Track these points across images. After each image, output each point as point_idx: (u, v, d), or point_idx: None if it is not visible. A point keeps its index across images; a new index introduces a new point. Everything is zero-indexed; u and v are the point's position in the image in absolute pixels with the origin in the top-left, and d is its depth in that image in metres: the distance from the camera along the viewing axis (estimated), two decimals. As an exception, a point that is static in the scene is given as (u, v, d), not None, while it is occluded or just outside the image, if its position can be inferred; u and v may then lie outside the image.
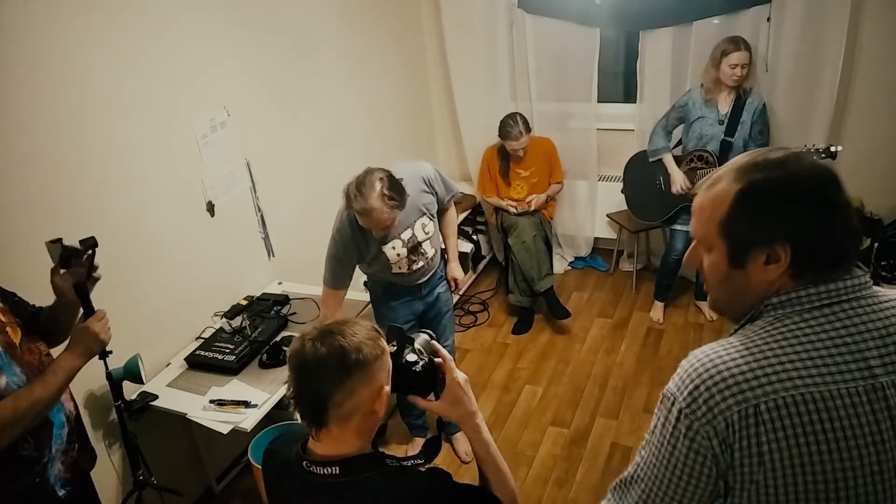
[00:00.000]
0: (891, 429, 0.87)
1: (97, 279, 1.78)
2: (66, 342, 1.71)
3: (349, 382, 1.08)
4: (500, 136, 3.72)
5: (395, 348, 1.20)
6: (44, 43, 1.98)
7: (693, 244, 1.02)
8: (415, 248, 2.49)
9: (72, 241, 1.69)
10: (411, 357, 1.19)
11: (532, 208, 3.81)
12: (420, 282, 2.61)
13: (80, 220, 2.14)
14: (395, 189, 2.18)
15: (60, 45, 2.03)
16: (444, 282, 2.76)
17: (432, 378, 1.20)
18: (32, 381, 1.55)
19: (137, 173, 2.34)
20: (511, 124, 3.62)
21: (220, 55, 2.65)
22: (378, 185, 2.14)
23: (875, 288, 0.95)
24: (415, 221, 2.44)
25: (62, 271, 1.68)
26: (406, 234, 2.43)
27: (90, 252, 1.72)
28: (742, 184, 0.92)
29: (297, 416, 1.16)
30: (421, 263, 2.54)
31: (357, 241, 2.37)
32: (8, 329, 1.59)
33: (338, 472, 1.10)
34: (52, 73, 2.01)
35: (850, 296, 0.91)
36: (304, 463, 1.14)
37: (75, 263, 1.69)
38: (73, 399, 1.79)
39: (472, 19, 3.98)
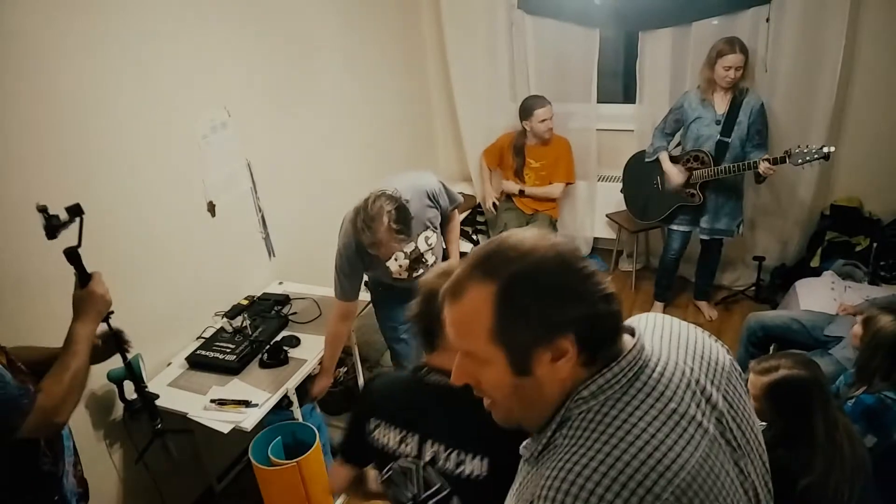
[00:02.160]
0: (735, 472, 0.85)
1: (81, 211, 1.69)
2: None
3: None
4: (524, 115, 3.78)
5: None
6: (44, 44, 1.99)
7: (457, 361, 0.88)
8: (417, 259, 2.53)
9: (58, 209, 1.66)
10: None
11: (512, 191, 3.95)
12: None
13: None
14: (403, 220, 2.20)
15: (61, 46, 2.04)
16: None
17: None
18: (60, 357, 1.53)
19: (138, 174, 2.35)
20: (538, 98, 3.76)
21: (220, 56, 2.66)
22: (385, 220, 2.16)
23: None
24: (418, 235, 2.47)
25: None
26: (409, 248, 2.46)
27: (78, 219, 1.70)
28: (498, 282, 0.81)
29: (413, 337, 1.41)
30: (422, 271, 2.57)
31: (362, 256, 2.39)
32: None
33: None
34: (52, 73, 2.02)
35: (644, 359, 0.86)
36: (431, 375, 1.32)
37: (60, 221, 1.63)
38: None
39: (472, 19, 3.99)
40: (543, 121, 3.75)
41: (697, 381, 0.88)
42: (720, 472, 0.82)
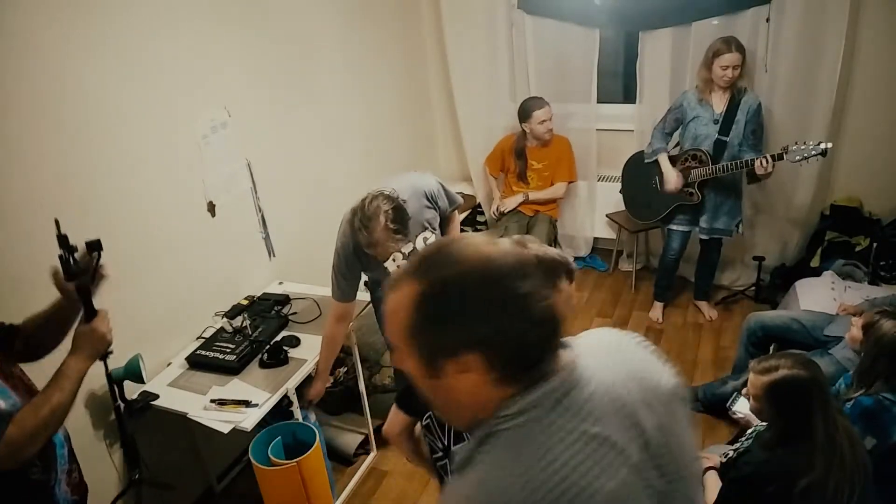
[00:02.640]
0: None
1: (104, 277, 1.75)
2: (68, 347, 1.64)
3: None
4: (523, 117, 3.79)
5: None
6: (45, 44, 1.99)
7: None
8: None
9: (78, 241, 1.66)
10: None
11: (510, 208, 3.90)
12: None
13: (81, 221, 2.14)
14: (400, 220, 2.19)
15: (61, 46, 2.04)
16: None
17: None
18: (45, 388, 1.50)
19: (138, 174, 2.35)
20: (536, 99, 3.76)
21: (221, 56, 2.66)
22: (382, 220, 2.15)
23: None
24: (416, 236, 2.45)
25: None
26: (407, 248, 2.43)
27: (95, 254, 1.71)
28: (423, 284, 0.81)
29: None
30: None
31: (360, 257, 2.37)
32: None
33: None
34: (52, 73, 2.02)
35: (575, 381, 0.84)
36: None
37: (79, 266, 1.65)
38: None
39: (472, 20, 3.99)
40: (542, 122, 3.75)
41: (632, 405, 0.86)
42: (636, 502, 0.81)
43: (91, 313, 1.68)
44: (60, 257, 1.59)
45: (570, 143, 3.96)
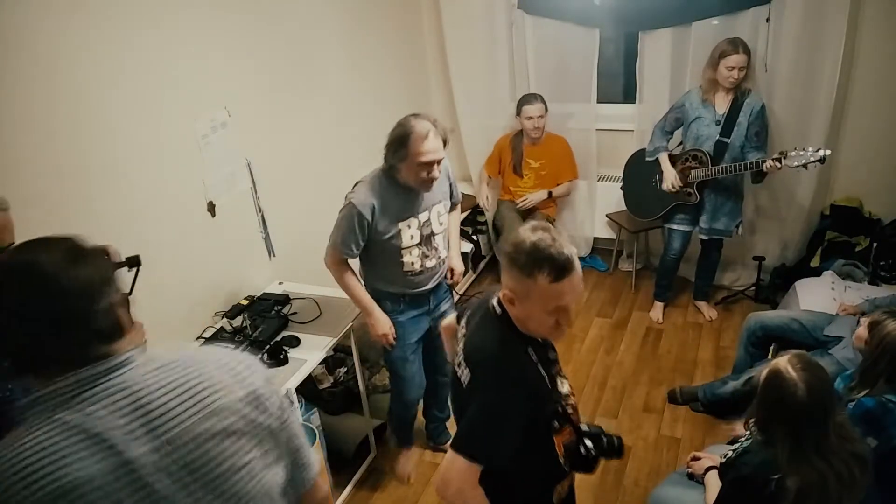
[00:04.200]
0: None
1: (139, 263, 1.79)
2: None
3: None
4: (517, 112, 3.81)
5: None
6: (41, 43, 1.98)
7: None
8: (428, 239, 2.41)
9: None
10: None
11: (528, 206, 3.84)
12: (429, 286, 2.50)
13: (81, 221, 2.15)
14: (444, 135, 2.21)
15: (59, 45, 2.03)
16: (450, 297, 2.68)
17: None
18: None
19: (138, 173, 2.35)
20: (530, 95, 3.78)
21: (221, 56, 2.65)
22: (430, 124, 2.17)
23: (141, 360, 1.00)
24: (433, 206, 2.38)
25: None
26: (423, 216, 2.36)
27: (135, 269, 1.76)
28: None
29: None
30: (433, 262, 2.45)
31: (382, 200, 2.26)
32: None
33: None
34: (50, 73, 2.01)
35: (101, 380, 0.94)
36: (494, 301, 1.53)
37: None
38: None
39: (473, 20, 3.99)
40: (530, 118, 3.75)
41: (159, 411, 0.96)
42: (109, 496, 0.91)
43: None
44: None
45: (567, 142, 3.96)
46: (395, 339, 2.49)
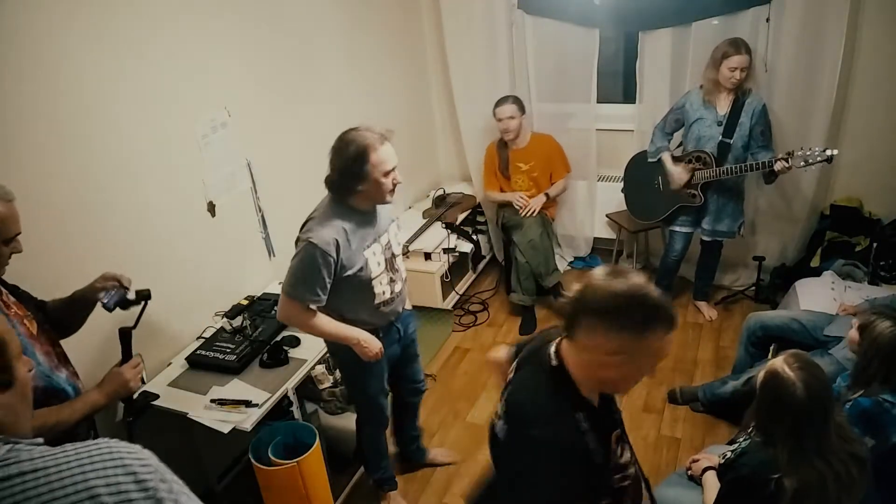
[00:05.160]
0: None
1: (149, 297, 1.88)
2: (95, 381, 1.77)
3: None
4: (493, 113, 3.80)
5: None
6: (43, 43, 1.99)
7: None
8: (391, 262, 2.27)
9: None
10: None
11: (535, 212, 3.83)
12: (399, 310, 2.36)
13: (81, 221, 2.15)
14: None
15: (59, 46, 2.04)
16: (413, 317, 2.51)
17: None
18: (62, 405, 1.59)
19: (138, 173, 2.35)
20: (503, 97, 3.75)
21: (221, 56, 2.66)
22: (365, 127, 2.11)
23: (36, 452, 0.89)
24: (388, 226, 2.26)
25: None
26: (384, 239, 2.22)
27: (143, 303, 1.83)
28: None
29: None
30: (399, 286, 2.31)
31: (344, 233, 2.06)
32: (25, 321, 1.63)
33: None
34: (51, 73, 2.02)
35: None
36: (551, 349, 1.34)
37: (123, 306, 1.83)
38: None
39: (472, 20, 3.99)
40: (501, 119, 3.74)
41: None
42: None
43: (127, 356, 1.81)
44: (117, 297, 1.82)
45: (554, 138, 3.94)
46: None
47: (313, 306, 2.13)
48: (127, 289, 1.82)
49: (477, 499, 1.60)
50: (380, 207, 2.20)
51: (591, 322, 1.21)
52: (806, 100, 3.43)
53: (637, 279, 1.20)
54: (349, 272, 2.10)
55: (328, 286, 2.08)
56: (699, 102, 3.29)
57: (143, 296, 1.82)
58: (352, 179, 2.05)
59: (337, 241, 2.05)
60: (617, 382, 1.30)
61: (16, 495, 0.85)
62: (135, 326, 1.81)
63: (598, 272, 1.24)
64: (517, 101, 3.74)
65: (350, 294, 2.17)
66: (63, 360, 1.71)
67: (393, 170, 2.08)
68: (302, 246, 2.06)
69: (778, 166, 3.02)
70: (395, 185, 2.11)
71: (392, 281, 2.27)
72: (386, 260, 2.23)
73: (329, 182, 2.13)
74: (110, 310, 1.79)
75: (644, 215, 3.72)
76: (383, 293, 2.24)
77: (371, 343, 2.22)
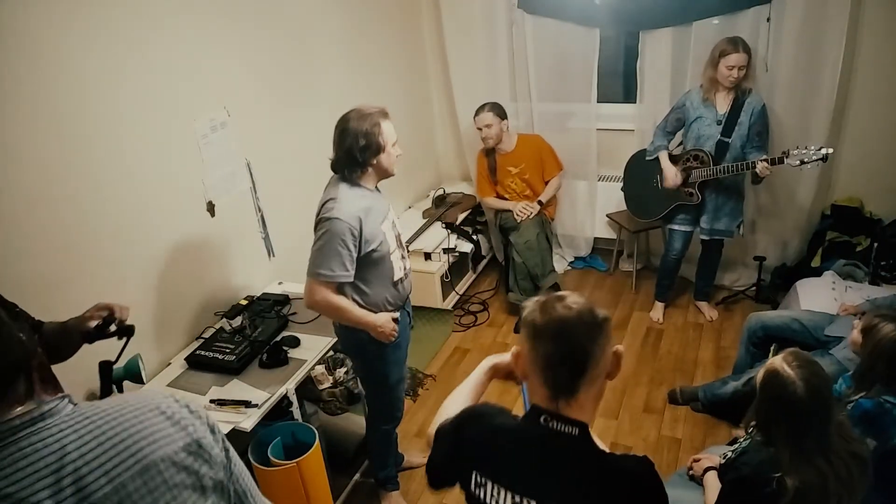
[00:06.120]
0: None
1: (131, 333, 1.79)
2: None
3: (602, 338, 1.13)
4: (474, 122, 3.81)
5: None
6: (42, 43, 1.98)
7: None
8: (399, 239, 2.33)
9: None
10: None
11: (533, 214, 3.83)
12: (409, 291, 2.41)
13: (81, 221, 2.15)
14: None
15: (59, 46, 2.03)
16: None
17: None
18: None
19: (138, 174, 2.35)
20: (485, 103, 3.73)
21: (220, 56, 2.66)
22: (361, 106, 2.24)
23: (68, 410, 0.91)
24: (389, 205, 2.31)
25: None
26: (391, 215, 2.29)
27: (125, 339, 1.76)
28: None
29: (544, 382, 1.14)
30: (408, 262, 2.38)
31: (364, 209, 2.10)
32: None
33: (577, 433, 1.13)
34: (51, 73, 2.02)
35: (18, 434, 0.86)
36: (547, 420, 1.15)
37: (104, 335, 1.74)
38: None
39: (472, 19, 3.99)
40: (479, 129, 3.74)
41: (78, 468, 0.87)
42: None
43: (107, 391, 1.77)
44: (100, 329, 1.70)
45: (542, 137, 3.93)
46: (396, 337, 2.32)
47: (343, 280, 2.12)
48: (114, 320, 1.74)
49: None
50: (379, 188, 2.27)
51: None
52: (806, 100, 3.43)
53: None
54: (372, 246, 2.14)
55: (355, 261, 2.12)
56: (699, 101, 3.28)
57: (125, 331, 1.75)
58: (366, 151, 2.11)
59: (359, 216, 2.09)
60: None
61: (99, 426, 0.91)
62: (115, 361, 1.77)
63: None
64: (494, 108, 3.71)
65: (372, 271, 2.20)
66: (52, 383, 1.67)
67: (396, 142, 2.20)
68: (327, 224, 2.07)
69: (759, 167, 3.02)
70: (398, 154, 2.22)
71: (403, 258, 2.33)
72: (395, 236, 2.29)
73: (339, 163, 2.18)
74: (90, 342, 1.74)
75: (642, 213, 3.72)
76: (400, 269, 2.30)
77: (387, 325, 2.25)
